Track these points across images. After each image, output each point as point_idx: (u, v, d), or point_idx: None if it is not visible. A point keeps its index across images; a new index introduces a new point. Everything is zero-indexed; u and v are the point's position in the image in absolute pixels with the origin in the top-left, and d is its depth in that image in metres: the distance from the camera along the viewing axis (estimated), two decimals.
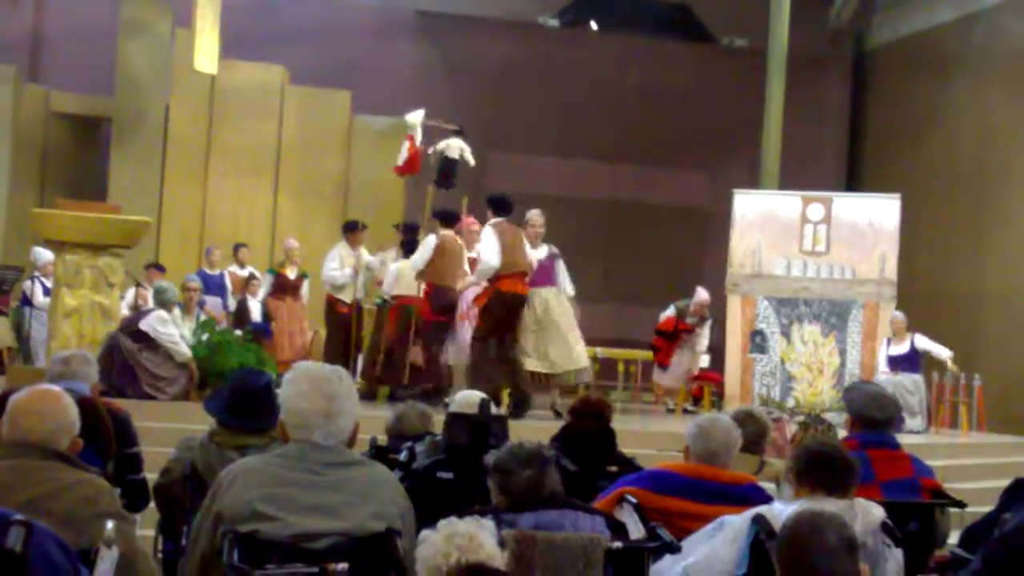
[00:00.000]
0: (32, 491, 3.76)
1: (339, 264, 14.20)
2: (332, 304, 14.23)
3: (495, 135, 19.89)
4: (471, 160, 15.08)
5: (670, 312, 15.33)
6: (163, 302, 11.46)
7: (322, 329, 15.10)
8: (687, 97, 21.21)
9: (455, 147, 15.00)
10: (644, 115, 21.13)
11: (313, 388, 4.05)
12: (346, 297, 14.15)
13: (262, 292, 15.23)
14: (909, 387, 14.04)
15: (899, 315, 14.46)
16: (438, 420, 6.90)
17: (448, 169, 14.87)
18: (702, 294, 15.26)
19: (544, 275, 12.28)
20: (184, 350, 11.17)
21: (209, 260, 16.07)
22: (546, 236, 12.59)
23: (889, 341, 14.42)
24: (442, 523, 3.49)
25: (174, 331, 11.19)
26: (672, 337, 15.16)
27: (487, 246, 11.78)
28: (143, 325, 11.08)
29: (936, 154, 19.63)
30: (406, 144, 15.05)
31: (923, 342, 14.42)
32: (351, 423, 4.10)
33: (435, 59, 20.91)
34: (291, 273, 15.12)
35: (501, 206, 12.15)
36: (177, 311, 11.80)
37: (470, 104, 18.80)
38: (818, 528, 3.53)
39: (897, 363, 14.29)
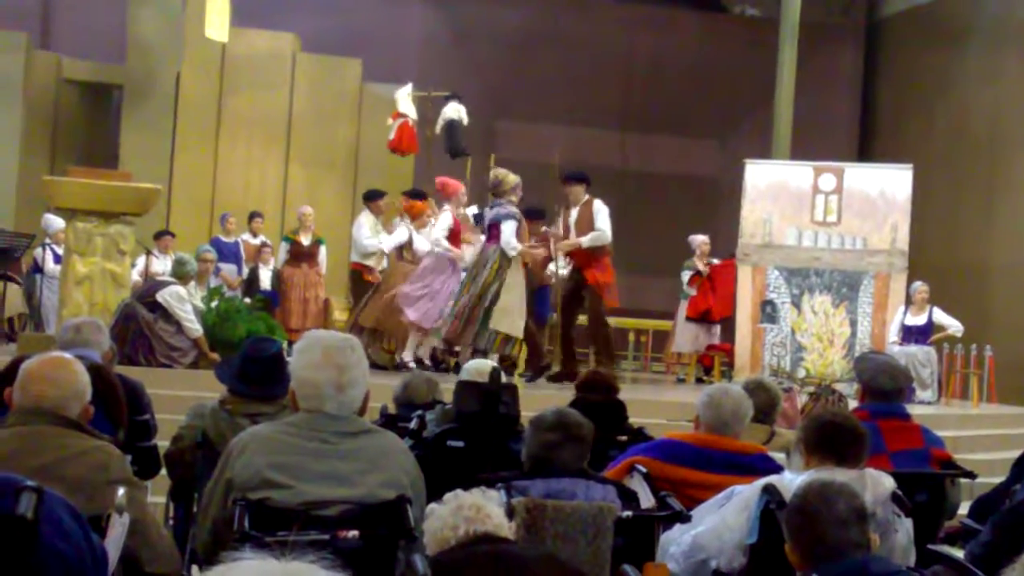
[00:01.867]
0: (43, 457, 3.77)
1: (368, 231, 14.07)
2: (359, 273, 14.14)
3: (504, 103, 19.86)
4: (465, 119, 15.08)
5: (687, 275, 15.41)
6: (182, 275, 11.46)
7: (334, 298, 15.10)
8: (698, 66, 21.15)
9: (452, 109, 14.97)
10: (654, 84, 21.09)
11: (325, 358, 4.02)
12: (374, 264, 14.05)
13: (279, 260, 15.22)
14: (922, 359, 14.03)
15: (923, 285, 14.40)
16: (445, 388, 6.93)
17: (453, 133, 14.84)
18: (697, 238, 15.55)
19: None
20: (196, 327, 11.18)
21: (225, 227, 16.06)
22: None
23: (906, 310, 14.37)
24: (448, 496, 3.49)
25: (189, 307, 11.21)
26: (701, 285, 15.17)
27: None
28: (159, 297, 11.10)
29: (948, 124, 19.56)
30: (394, 122, 15.01)
31: (940, 315, 14.41)
32: (362, 393, 4.09)
33: (445, 27, 20.84)
34: (305, 240, 15.07)
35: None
36: (192, 282, 11.81)
37: (479, 72, 18.78)
38: (828, 497, 3.54)
39: (913, 334, 14.26)
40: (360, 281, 14.05)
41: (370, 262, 14.05)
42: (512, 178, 11.88)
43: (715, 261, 15.40)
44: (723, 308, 15.08)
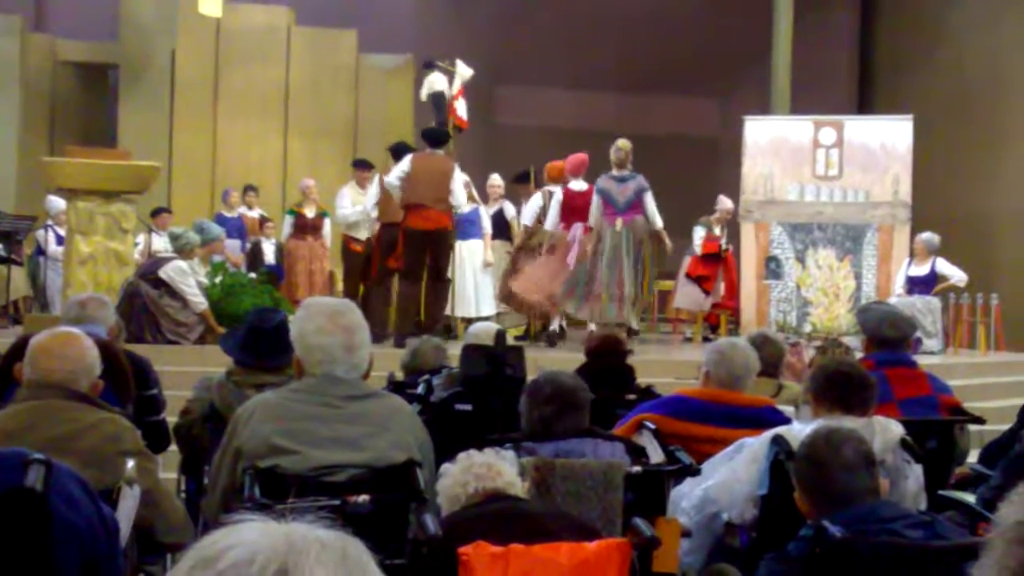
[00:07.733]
0: (54, 430, 3.77)
1: (349, 203, 14.16)
2: (346, 243, 14.21)
3: (502, 68, 19.76)
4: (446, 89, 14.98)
5: (701, 234, 14.81)
6: (180, 248, 11.44)
7: (337, 269, 15.12)
8: (695, 23, 21.02)
9: (437, 78, 14.83)
10: (652, 43, 20.96)
11: (331, 322, 4.03)
12: (359, 235, 14.08)
13: (283, 233, 15.23)
14: (921, 308, 13.92)
15: (932, 237, 14.16)
16: (453, 355, 6.93)
17: (438, 104, 14.75)
18: (726, 202, 14.99)
19: None
20: (201, 301, 11.16)
21: (227, 203, 16.09)
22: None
23: (911, 262, 14.31)
24: (460, 455, 3.51)
25: (192, 281, 11.19)
26: (717, 259, 14.81)
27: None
28: (162, 273, 11.07)
29: (948, 73, 19.45)
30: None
31: (943, 265, 14.30)
32: (368, 354, 4.11)
33: None
34: (309, 212, 15.08)
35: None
36: (196, 258, 11.76)
37: (476, 38, 18.67)
38: (835, 444, 3.54)
39: (916, 285, 14.18)
40: (347, 252, 14.10)
41: (355, 233, 14.04)
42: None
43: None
44: (710, 285, 14.85)
